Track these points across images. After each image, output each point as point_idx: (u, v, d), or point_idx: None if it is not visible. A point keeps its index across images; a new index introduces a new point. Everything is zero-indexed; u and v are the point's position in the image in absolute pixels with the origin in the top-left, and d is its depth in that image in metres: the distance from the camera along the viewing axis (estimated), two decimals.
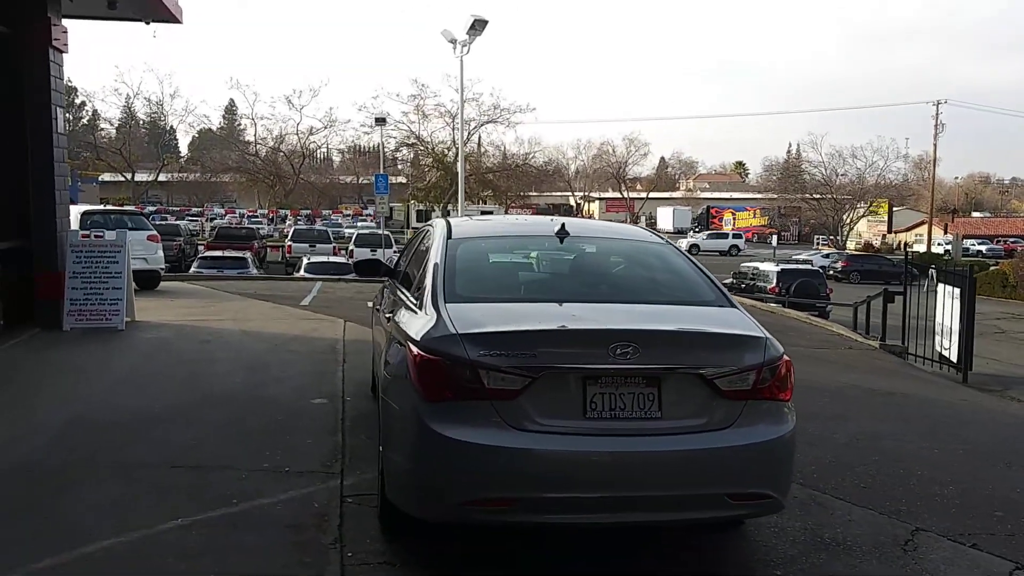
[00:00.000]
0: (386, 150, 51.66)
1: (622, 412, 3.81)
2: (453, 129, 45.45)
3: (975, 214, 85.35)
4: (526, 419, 3.76)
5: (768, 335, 4.09)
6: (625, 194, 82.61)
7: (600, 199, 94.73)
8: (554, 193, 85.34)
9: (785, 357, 4.07)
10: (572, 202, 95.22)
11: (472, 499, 3.75)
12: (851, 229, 52.04)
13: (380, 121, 45.46)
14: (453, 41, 24.17)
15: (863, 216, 53.05)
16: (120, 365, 8.97)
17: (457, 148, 44.81)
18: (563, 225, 5.03)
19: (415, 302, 4.60)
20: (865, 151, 53.26)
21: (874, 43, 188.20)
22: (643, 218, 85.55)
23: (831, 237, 50.28)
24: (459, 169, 27.67)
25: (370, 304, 7.67)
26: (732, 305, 4.48)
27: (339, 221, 61.59)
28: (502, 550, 4.50)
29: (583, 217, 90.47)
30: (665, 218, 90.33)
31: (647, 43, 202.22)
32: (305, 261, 26.53)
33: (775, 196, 61.54)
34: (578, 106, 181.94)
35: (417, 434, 3.87)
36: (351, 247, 33.64)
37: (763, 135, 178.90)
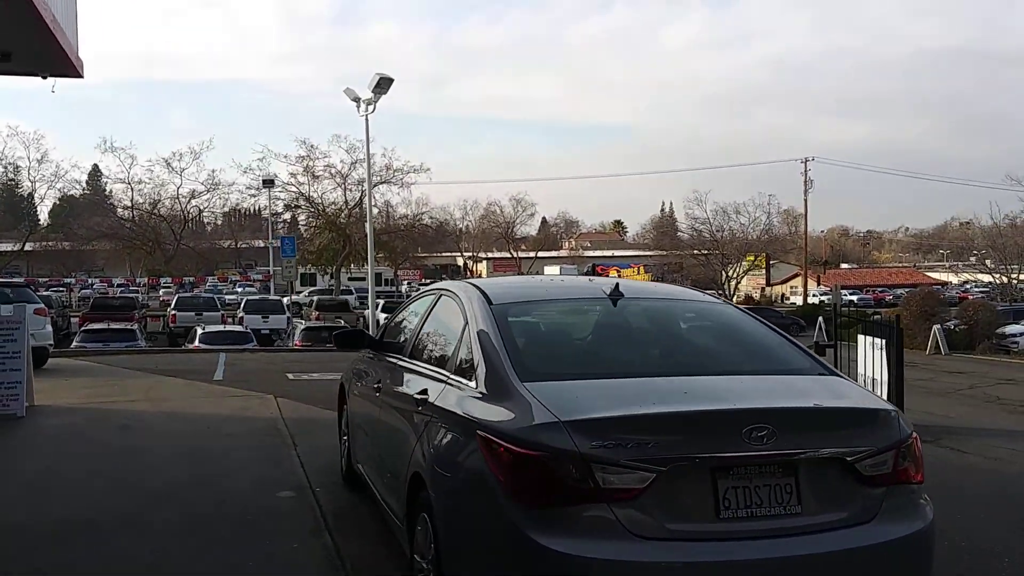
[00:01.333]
0: (273, 212, 50.04)
1: (759, 509, 3.17)
2: (344, 190, 44.40)
3: (843, 265, 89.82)
4: (651, 525, 3.06)
5: (895, 408, 3.57)
6: (514, 253, 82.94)
7: (487, 259, 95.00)
8: (443, 254, 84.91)
9: (915, 433, 3.55)
10: (460, 262, 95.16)
11: None
12: (737, 283, 53.54)
13: (268, 183, 43.94)
14: (357, 100, 23.44)
15: (748, 270, 54.70)
16: (31, 461, 7.69)
17: (349, 209, 43.98)
18: (617, 286, 4.43)
19: (465, 382, 3.87)
20: (748, 207, 55.23)
21: (730, 106, 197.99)
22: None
23: (719, 291, 51.72)
24: (368, 230, 26.71)
25: (343, 379, 6.79)
26: (835, 373, 3.95)
27: (220, 287, 59.08)
28: None
29: (474, 275, 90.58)
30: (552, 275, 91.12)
31: (526, 104, 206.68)
32: (199, 331, 24.81)
33: (664, 252, 62.95)
34: (461, 168, 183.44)
35: (512, 550, 3.11)
36: (240, 314, 31.97)
37: (640, 195, 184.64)
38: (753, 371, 3.87)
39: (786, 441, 3.19)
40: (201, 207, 60.43)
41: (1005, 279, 48.97)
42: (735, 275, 53.39)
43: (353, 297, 45.99)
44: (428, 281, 74.96)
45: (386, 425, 4.91)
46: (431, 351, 4.80)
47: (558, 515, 3.08)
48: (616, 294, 4.37)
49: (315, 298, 39.87)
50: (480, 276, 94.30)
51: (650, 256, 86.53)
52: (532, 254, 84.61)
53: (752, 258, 54.81)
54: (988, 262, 58.05)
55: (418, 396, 4.24)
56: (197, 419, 9.58)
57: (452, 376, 4.05)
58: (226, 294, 51.29)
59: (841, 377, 3.92)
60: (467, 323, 4.22)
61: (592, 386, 3.53)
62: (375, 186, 44.60)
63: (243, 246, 72.43)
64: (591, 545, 3.03)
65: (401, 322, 5.89)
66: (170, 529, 5.60)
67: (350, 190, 44.29)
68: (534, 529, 3.06)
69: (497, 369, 3.65)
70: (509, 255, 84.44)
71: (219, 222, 73.43)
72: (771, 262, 61.67)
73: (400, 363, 5.04)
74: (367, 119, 23.66)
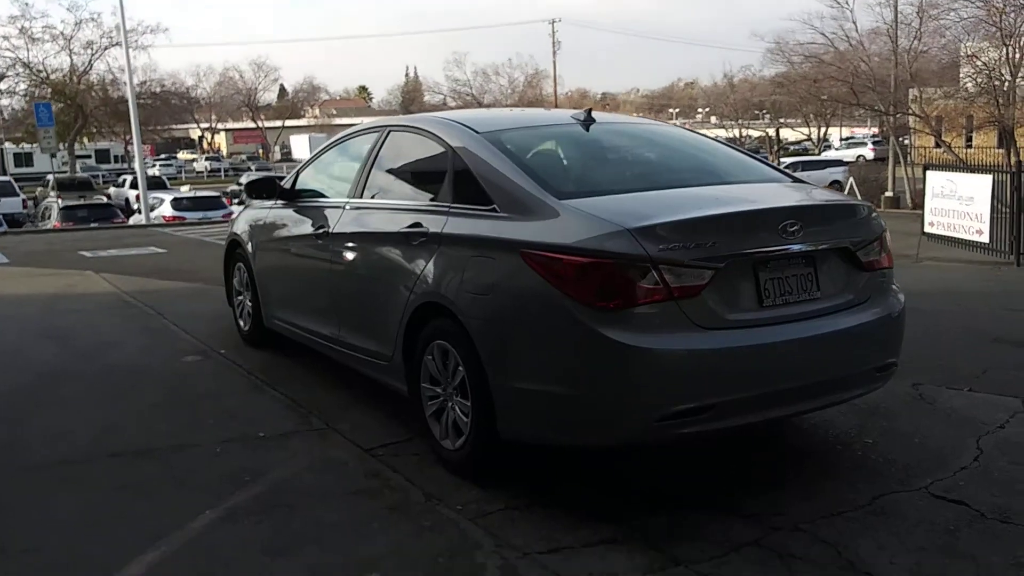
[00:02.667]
0: None
1: (790, 297, 3.62)
2: (71, 54, 39.63)
3: None
4: (712, 316, 3.42)
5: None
6: (259, 123, 78.62)
7: (227, 130, 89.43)
8: (175, 127, 78.61)
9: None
10: (194, 135, 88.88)
11: (668, 413, 3.35)
12: None
13: None
14: None
15: None
16: None
17: (79, 75, 39.41)
18: (586, 112, 4.65)
19: (477, 208, 3.93)
20: (506, 68, 55.90)
21: None
22: (276, 148, 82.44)
23: None
24: (129, 93, 24.25)
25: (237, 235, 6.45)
26: (803, 181, 4.46)
27: None
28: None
29: (212, 150, 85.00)
30: (301, 147, 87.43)
31: None
32: None
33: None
34: (194, 29, 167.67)
35: (590, 351, 3.35)
36: None
37: (386, 61, 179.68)
38: (751, 180, 4.28)
39: (810, 234, 3.64)
40: None
41: (736, 133, 53.32)
42: None
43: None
44: (165, 156, 69.53)
45: (350, 269, 4.85)
46: (401, 188, 4.76)
47: (629, 316, 3.33)
48: (588, 119, 4.58)
49: (50, 177, 36.02)
50: (219, 149, 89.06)
51: None
52: (279, 123, 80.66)
53: None
54: (713, 119, 63.20)
55: (410, 230, 4.25)
56: (23, 300, 8.71)
57: (454, 206, 4.09)
58: None
59: (811, 184, 4.44)
60: (454, 153, 4.24)
61: (631, 199, 3.77)
62: (105, 49, 40.36)
63: None
64: (665, 338, 3.33)
65: (323, 170, 5.70)
66: (96, 400, 5.28)
67: (78, 54, 39.67)
68: (611, 330, 3.30)
69: (526, 190, 3.76)
70: (253, 125, 79.95)
71: None
72: None
73: (352, 206, 4.94)
74: None
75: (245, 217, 6.49)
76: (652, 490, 3.91)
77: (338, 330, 5.07)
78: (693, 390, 3.37)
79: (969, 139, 33.42)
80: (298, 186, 5.81)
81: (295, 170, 5.94)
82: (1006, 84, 25.27)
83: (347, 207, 5.00)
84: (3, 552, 3.36)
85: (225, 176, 59.67)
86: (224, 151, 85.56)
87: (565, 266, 3.42)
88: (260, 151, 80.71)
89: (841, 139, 59.89)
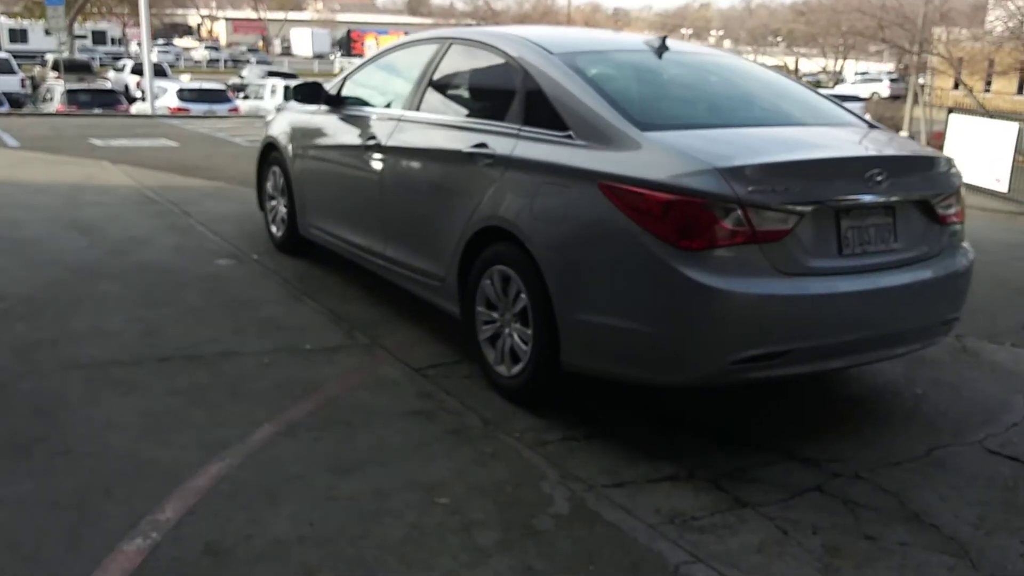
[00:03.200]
0: None
1: (869, 247, 3.57)
2: None
3: None
4: (793, 262, 3.37)
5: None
6: (261, 14, 76.52)
7: (226, 19, 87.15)
8: (174, 11, 76.43)
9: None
10: (191, 21, 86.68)
11: (743, 356, 3.33)
12: None
13: None
14: None
15: None
16: None
17: None
18: (663, 39, 4.49)
19: (551, 133, 3.82)
20: None
21: None
22: (277, 41, 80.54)
23: None
24: None
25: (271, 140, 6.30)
26: (876, 125, 4.35)
27: None
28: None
29: (210, 38, 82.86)
30: (302, 41, 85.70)
31: None
32: None
33: (431, 20, 60.92)
34: None
35: (669, 290, 3.30)
36: None
37: None
38: (829, 123, 4.17)
39: (893, 184, 3.56)
40: None
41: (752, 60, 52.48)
42: None
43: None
44: (163, 42, 67.68)
45: (403, 185, 4.75)
46: (462, 105, 4.62)
47: (711, 257, 3.28)
48: (662, 47, 4.43)
49: (50, 57, 35.16)
50: (217, 39, 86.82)
51: (408, 24, 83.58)
52: (282, 15, 78.54)
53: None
54: (727, 43, 61.99)
55: (475, 150, 4.14)
56: (43, 189, 8.54)
57: (524, 128, 3.98)
58: None
59: (887, 130, 4.34)
60: (526, 74, 4.10)
61: (714, 135, 3.67)
62: None
63: None
64: (747, 281, 3.29)
65: (373, 79, 5.52)
66: (131, 300, 5.22)
67: None
68: (692, 270, 3.25)
69: (606, 119, 3.65)
70: (255, 15, 77.81)
71: None
72: None
73: (408, 119, 4.80)
74: None
75: (284, 120, 6.31)
76: (706, 428, 3.92)
77: (384, 245, 4.99)
78: (770, 335, 3.34)
79: (988, 83, 32.94)
80: (345, 93, 5.64)
81: (341, 75, 5.75)
82: None
83: (402, 119, 4.86)
84: (70, 454, 3.35)
85: (225, 67, 58.38)
86: (223, 41, 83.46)
87: (648, 202, 3.34)
88: (261, 43, 78.82)
89: (856, 73, 58.92)
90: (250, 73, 38.54)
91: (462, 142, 4.27)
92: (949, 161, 3.95)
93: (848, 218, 3.51)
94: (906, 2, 29.43)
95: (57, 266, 5.82)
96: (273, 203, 6.52)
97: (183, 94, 22.86)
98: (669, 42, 4.53)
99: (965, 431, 3.97)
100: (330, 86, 5.77)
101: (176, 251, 6.37)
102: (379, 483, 3.27)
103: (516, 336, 3.96)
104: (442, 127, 4.57)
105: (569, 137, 3.75)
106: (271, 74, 33.74)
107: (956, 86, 34.14)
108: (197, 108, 21.60)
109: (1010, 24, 25.34)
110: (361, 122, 5.27)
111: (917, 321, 3.76)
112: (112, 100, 23.61)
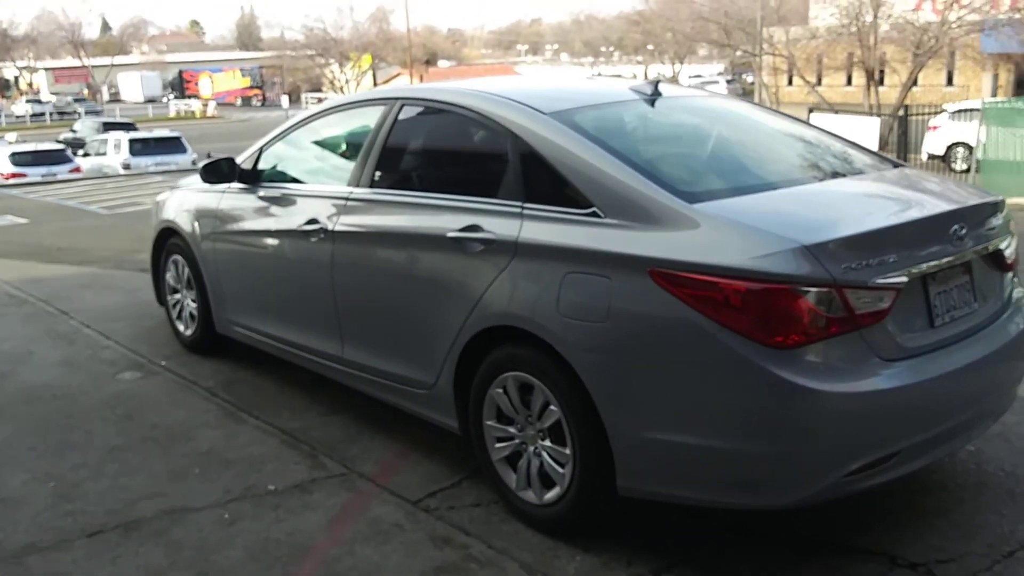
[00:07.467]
0: None
1: (956, 312, 3.09)
2: None
3: (442, 63, 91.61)
4: (892, 346, 2.85)
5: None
6: (85, 61, 72.06)
7: (46, 69, 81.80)
8: None
9: None
10: (8, 74, 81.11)
11: (855, 467, 2.78)
12: (358, 84, 52.12)
13: None
14: None
15: (365, 71, 53.37)
16: None
17: None
18: (656, 84, 3.89)
19: (565, 211, 3.17)
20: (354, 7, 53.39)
21: None
22: (105, 87, 76.14)
23: (322, 96, 50.28)
24: None
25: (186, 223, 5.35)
26: (904, 164, 3.92)
27: None
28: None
29: (29, 93, 77.40)
30: (131, 86, 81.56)
31: None
32: None
33: (263, 53, 58.96)
34: None
35: (766, 397, 2.71)
36: None
37: None
38: (869, 170, 3.67)
39: (971, 237, 3.10)
40: None
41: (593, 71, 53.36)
42: (353, 77, 52.18)
43: None
44: None
45: (365, 277, 3.99)
46: (433, 179, 3.90)
47: (809, 351, 2.72)
48: (655, 94, 3.85)
49: None
50: (38, 89, 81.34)
51: (243, 60, 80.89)
52: (108, 60, 74.30)
53: (355, 56, 53.55)
54: (564, 55, 63.07)
55: (465, 235, 3.44)
56: None
57: (528, 206, 3.31)
58: None
59: (924, 171, 3.92)
60: (516, 138, 3.44)
61: (773, 202, 3.11)
62: None
63: None
64: (853, 379, 2.75)
65: (300, 149, 4.72)
66: (25, 444, 4.21)
67: None
68: (787, 370, 2.68)
69: (641, 191, 3.03)
70: (79, 62, 73.21)
71: None
72: (376, 63, 60.90)
73: (359, 197, 4.04)
74: None
75: (183, 200, 5.38)
76: (788, 534, 3.35)
77: (340, 346, 4.20)
78: (883, 436, 2.81)
79: (819, 78, 34.61)
80: (262, 166, 4.80)
81: (257, 146, 4.90)
82: (866, 24, 26.00)
83: (351, 199, 4.09)
84: None
85: (51, 120, 54.50)
86: (45, 93, 78.16)
87: (724, 292, 2.74)
88: (86, 91, 74.25)
89: (690, 77, 61.04)
90: (83, 126, 35.86)
91: (445, 224, 3.55)
92: (1003, 200, 3.54)
93: (934, 283, 3.03)
94: (742, 5, 30.56)
95: None
96: (177, 296, 5.57)
97: (16, 158, 20.72)
98: (663, 87, 3.93)
99: None
100: (242, 159, 4.92)
101: (66, 366, 5.31)
102: None
103: (547, 456, 3.28)
104: (409, 207, 3.83)
105: (595, 215, 3.11)
106: (108, 126, 31.37)
107: (790, 82, 35.79)
108: (34, 172, 19.66)
109: (843, 21, 26.47)
110: (292, 202, 4.47)
111: (1006, 388, 3.33)
112: None
